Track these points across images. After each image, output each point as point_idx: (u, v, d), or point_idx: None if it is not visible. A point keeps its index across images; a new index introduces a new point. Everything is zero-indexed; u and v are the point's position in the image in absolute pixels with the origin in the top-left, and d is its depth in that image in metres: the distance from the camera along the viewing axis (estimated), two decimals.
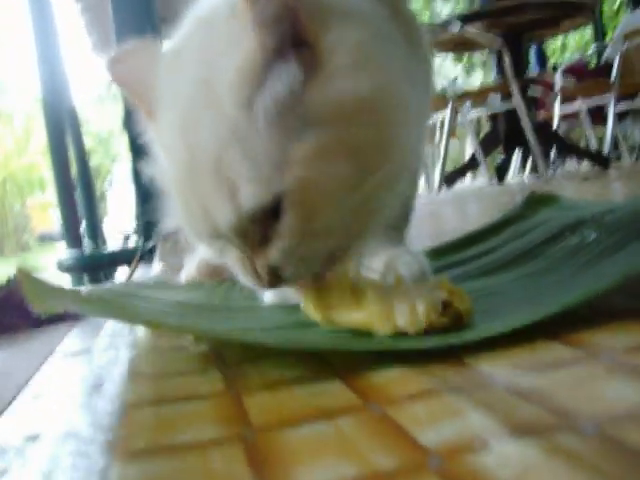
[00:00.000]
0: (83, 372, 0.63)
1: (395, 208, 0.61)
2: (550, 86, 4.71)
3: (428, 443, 0.32)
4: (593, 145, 4.80)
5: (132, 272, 1.82)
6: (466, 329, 0.51)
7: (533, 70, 5.56)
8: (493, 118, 4.17)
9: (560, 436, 0.31)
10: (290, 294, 0.66)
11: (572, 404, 0.35)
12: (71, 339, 0.89)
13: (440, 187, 3.68)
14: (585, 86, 4.32)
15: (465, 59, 12.16)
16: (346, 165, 0.50)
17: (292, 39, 0.49)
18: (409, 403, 0.39)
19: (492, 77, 4.31)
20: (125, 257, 2.21)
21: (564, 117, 4.68)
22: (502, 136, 3.75)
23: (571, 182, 2.98)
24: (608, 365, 0.41)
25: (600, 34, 6.93)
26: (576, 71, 4.79)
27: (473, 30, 3.35)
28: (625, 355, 0.42)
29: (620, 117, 4.74)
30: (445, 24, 3.47)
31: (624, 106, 4.58)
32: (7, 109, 13.99)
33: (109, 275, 2.38)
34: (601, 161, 3.59)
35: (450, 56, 10.33)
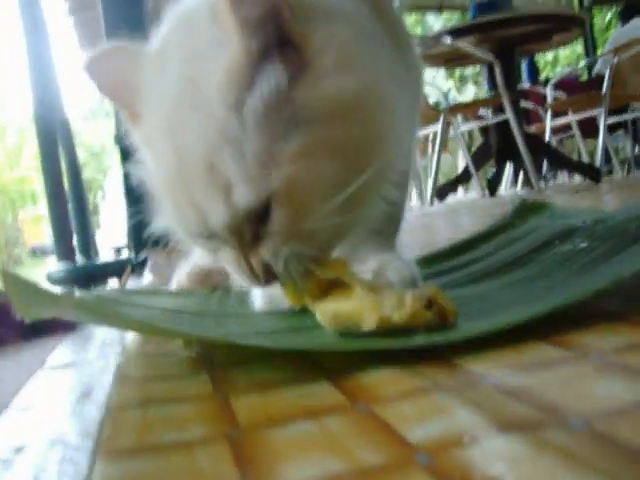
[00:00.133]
0: (72, 382, 0.62)
1: (381, 209, 0.61)
2: (541, 99, 4.73)
3: (416, 440, 0.32)
4: (585, 158, 4.82)
5: (124, 284, 1.81)
6: (452, 329, 0.51)
7: (525, 83, 5.58)
8: (485, 131, 4.18)
9: (549, 432, 0.31)
10: (280, 300, 0.66)
11: (561, 402, 0.35)
12: (61, 351, 0.88)
13: (432, 200, 3.68)
14: (576, 100, 4.34)
15: (457, 74, 12.23)
16: (333, 164, 0.51)
17: (277, 40, 0.50)
18: (397, 402, 0.39)
19: (484, 92, 4.34)
20: (115, 269, 2.21)
21: (555, 130, 4.71)
22: (494, 149, 3.76)
23: (563, 195, 2.99)
24: (597, 365, 0.41)
25: (591, 48, 6.98)
26: (567, 85, 4.82)
27: (464, 44, 3.36)
28: (614, 355, 0.42)
29: (611, 130, 4.76)
30: (437, 37, 3.49)
31: (615, 119, 4.61)
32: None
33: (100, 288, 2.37)
34: (593, 174, 3.60)
35: (442, 71, 10.40)
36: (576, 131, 4.51)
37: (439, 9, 8.22)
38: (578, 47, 9.58)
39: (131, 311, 0.75)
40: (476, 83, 12.20)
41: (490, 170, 4.20)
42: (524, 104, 4.29)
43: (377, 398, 0.40)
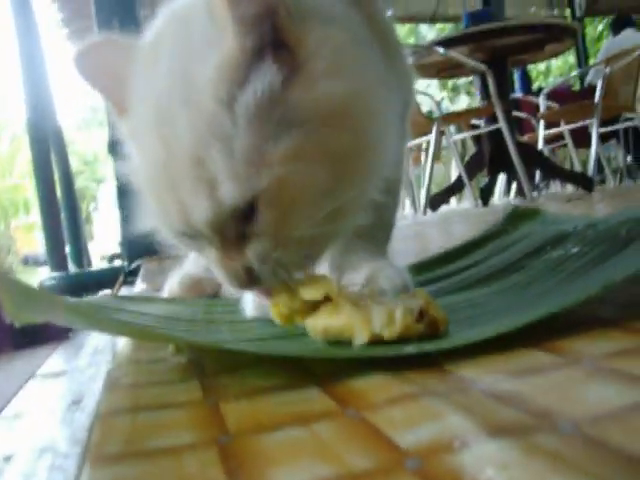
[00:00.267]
0: (63, 390, 0.62)
1: (371, 216, 0.61)
2: (534, 109, 4.75)
3: (406, 445, 0.32)
4: (577, 168, 4.84)
5: (116, 292, 1.81)
6: (442, 337, 0.51)
7: (517, 93, 5.61)
8: (478, 140, 4.19)
9: (539, 436, 0.30)
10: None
11: (552, 406, 0.34)
12: (53, 360, 0.88)
13: (425, 210, 3.69)
14: (568, 109, 4.36)
15: (450, 84, 12.28)
16: (321, 168, 0.50)
17: (272, 40, 0.50)
18: (387, 408, 0.39)
19: (477, 102, 4.35)
20: (108, 278, 2.20)
21: (548, 140, 4.73)
22: (487, 159, 3.77)
23: (555, 203, 3.00)
24: (588, 370, 0.40)
25: (583, 58, 7.02)
26: (559, 94, 4.84)
27: (457, 54, 3.37)
28: (606, 360, 0.42)
29: (604, 139, 4.78)
30: (429, 46, 3.50)
31: (607, 129, 4.63)
32: None
33: (92, 296, 2.36)
34: (585, 183, 3.61)
35: (435, 82, 10.44)
36: (568, 141, 4.53)
37: (432, 19, 8.24)
38: (570, 57, 9.65)
39: (123, 317, 0.74)
40: (469, 93, 12.25)
41: (483, 180, 4.21)
42: (517, 114, 4.31)
43: (368, 404, 0.40)
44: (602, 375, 0.39)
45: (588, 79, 5.35)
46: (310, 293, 0.54)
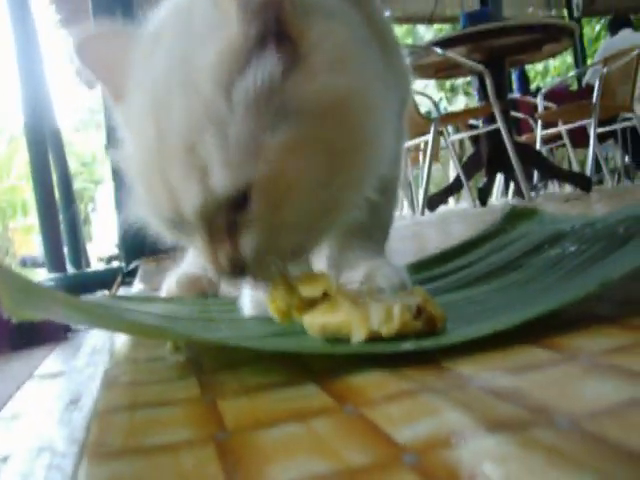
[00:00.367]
0: (61, 390, 0.62)
1: (365, 214, 0.61)
2: (532, 109, 4.76)
3: (403, 440, 0.32)
4: (575, 168, 4.84)
5: (114, 293, 1.80)
6: (440, 334, 0.51)
7: (515, 93, 5.61)
8: (476, 141, 4.20)
9: (537, 431, 0.30)
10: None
11: (549, 402, 0.34)
12: (51, 361, 0.88)
13: (423, 210, 3.69)
14: (566, 110, 4.36)
15: (448, 85, 12.28)
16: (317, 161, 0.50)
17: (275, 30, 0.50)
18: (385, 404, 0.38)
19: (475, 103, 4.35)
20: (106, 278, 2.20)
21: (546, 140, 4.73)
22: (485, 159, 3.77)
23: (553, 203, 3.00)
24: (586, 366, 0.40)
25: (580, 58, 7.03)
26: (557, 94, 4.85)
27: (455, 54, 3.38)
28: (603, 357, 0.42)
29: (601, 140, 4.79)
30: (427, 47, 3.50)
31: (605, 129, 4.64)
32: None
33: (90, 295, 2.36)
34: (583, 184, 3.62)
35: (433, 82, 10.44)
36: (566, 141, 4.53)
37: (430, 20, 8.24)
38: (568, 58, 9.65)
39: (123, 314, 0.74)
40: (467, 94, 12.26)
41: (481, 180, 4.22)
42: (515, 114, 4.31)
43: (365, 400, 0.40)
44: (599, 371, 0.39)
45: (586, 79, 5.35)
46: (308, 290, 0.54)
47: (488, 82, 3.29)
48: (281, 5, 0.50)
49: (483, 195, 3.97)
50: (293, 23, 0.50)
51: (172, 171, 0.50)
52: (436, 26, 10.29)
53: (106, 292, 2.00)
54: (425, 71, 3.79)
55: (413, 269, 0.83)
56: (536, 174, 4.76)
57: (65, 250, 2.67)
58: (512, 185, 4.38)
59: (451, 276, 0.81)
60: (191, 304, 0.88)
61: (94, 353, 0.75)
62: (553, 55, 4.43)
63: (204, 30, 0.51)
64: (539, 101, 4.56)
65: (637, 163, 5.54)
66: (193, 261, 1.01)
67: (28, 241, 12.07)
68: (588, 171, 3.96)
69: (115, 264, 3.18)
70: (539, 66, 11.73)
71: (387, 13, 0.83)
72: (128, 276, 2.19)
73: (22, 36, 2.39)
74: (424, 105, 4.64)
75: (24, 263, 10.45)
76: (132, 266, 2.25)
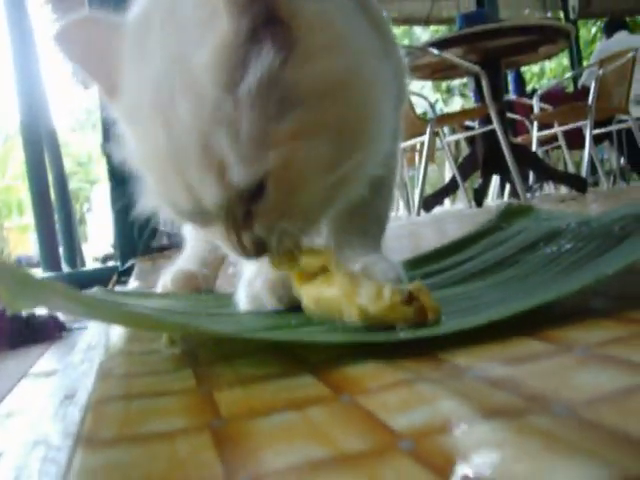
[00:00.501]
0: (57, 386, 0.62)
1: (365, 190, 0.63)
2: (528, 110, 4.76)
3: (399, 427, 0.32)
4: (571, 169, 4.85)
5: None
6: (436, 325, 0.51)
7: (511, 95, 5.62)
8: (472, 142, 4.20)
9: (533, 418, 0.30)
10: (265, 301, 0.66)
11: (545, 391, 0.34)
12: (46, 359, 0.88)
13: (419, 211, 3.69)
14: (562, 111, 4.36)
15: (444, 86, 12.30)
16: (325, 142, 0.52)
17: (267, 17, 0.50)
18: (381, 393, 0.38)
19: (471, 104, 4.36)
20: (101, 277, 2.20)
21: (542, 142, 4.74)
22: (481, 160, 3.77)
23: (549, 204, 3.00)
24: (582, 357, 0.40)
25: (576, 60, 7.04)
26: (553, 96, 4.85)
27: (451, 55, 3.38)
28: (598, 348, 0.42)
29: (597, 141, 4.80)
30: (423, 47, 3.50)
31: (601, 130, 4.65)
32: None
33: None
34: (579, 185, 3.62)
35: (429, 83, 10.45)
36: (562, 142, 4.54)
37: (426, 22, 8.25)
38: (564, 59, 9.68)
39: (120, 307, 0.74)
40: (463, 95, 12.27)
41: (477, 181, 4.22)
42: (511, 115, 4.32)
43: (362, 390, 0.40)
44: (595, 361, 0.39)
45: (581, 81, 5.37)
46: (308, 263, 0.56)
47: (484, 83, 3.30)
48: None
49: (479, 196, 3.97)
50: (284, 7, 0.50)
51: (189, 171, 0.51)
52: (432, 27, 10.30)
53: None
54: (421, 72, 3.80)
55: (409, 265, 0.83)
56: (532, 175, 4.77)
57: (60, 249, 2.66)
58: (508, 186, 4.39)
59: (447, 272, 0.81)
60: (187, 300, 0.88)
61: (89, 349, 0.75)
62: (549, 57, 4.44)
63: (194, 25, 0.51)
64: (535, 102, 4.56)
65: (632, 165, 5.55)
66: (188, 258, 1.01)
67: (24, 241, 12.05)
68: (584, 172, 3.97)
69: (110, 263, 3.17)
70: (535, 68, 11.76)
71: (383, 14, 0.83)
72: (123, 275, 2.19)
73: (18, 36, 2.39)
74: (420, 106, 4.64)
75: (20, 263, 10.43)
76: (127, 265, 2.25)
